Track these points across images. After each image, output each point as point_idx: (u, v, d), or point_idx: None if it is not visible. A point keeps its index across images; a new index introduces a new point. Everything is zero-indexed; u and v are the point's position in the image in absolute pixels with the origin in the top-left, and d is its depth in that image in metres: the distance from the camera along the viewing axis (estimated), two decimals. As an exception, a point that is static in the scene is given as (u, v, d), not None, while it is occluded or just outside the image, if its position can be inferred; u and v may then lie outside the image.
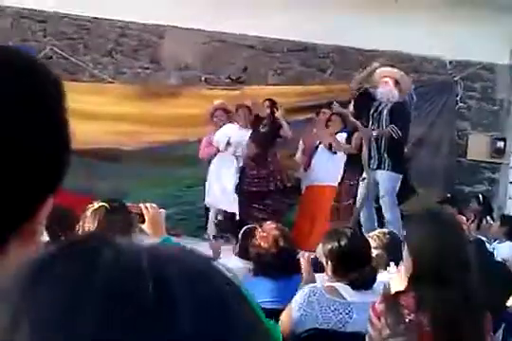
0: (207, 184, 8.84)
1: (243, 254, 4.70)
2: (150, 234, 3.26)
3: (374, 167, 7.95)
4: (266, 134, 8.89)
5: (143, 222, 3.30)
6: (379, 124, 7.95)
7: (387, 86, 7.93)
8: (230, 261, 4.61)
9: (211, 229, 8.65)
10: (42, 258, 0.58)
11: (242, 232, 4.95)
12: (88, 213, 3.47)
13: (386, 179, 7.88)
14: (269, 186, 8.79)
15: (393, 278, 3.56)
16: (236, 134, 8.86)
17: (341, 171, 8.54)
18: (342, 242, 3.65)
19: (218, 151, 8.90)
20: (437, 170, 9.98)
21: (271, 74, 10.65)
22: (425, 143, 10.03)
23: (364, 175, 8.02)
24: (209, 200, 8.80)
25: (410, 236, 3.13)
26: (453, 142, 10.43)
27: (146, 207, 3.34)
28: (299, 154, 9.38)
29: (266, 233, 4.31)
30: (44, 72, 0.90)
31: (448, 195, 9.26)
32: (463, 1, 9.96)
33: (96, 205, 3.57)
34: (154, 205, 3.39)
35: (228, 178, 8.73)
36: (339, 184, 8.51)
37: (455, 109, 10.51)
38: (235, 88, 10.00)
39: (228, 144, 8.81)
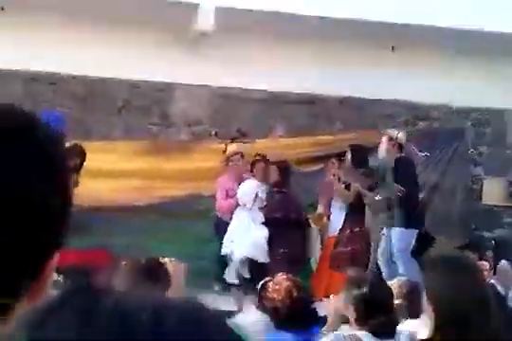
0: (228, 235, 8.73)
1: (262, 307, 4.62)
2: (172, 287, 3.25)
3: (386, 225, 8.07)
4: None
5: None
6: (384, 181, 8.15)
7: (382, 145, 8.36)
8: (250, 314, 4.51)
9: (232, 277, 8.54)
10: (45, 304, 0.61)
11: (260, 285, 4.87)
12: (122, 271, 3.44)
13: (398, 238, 7.94)
14: (290, 214, 8.77)
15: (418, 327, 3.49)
16: (260, 189, 8.84)
17: (343, 219, 8.63)
18: (364, 289, 3.61)
19: (238, 204, 8.86)
20: (454, 216, 9.90)
21: (279, 126, 10.71)
22: (439, 190, 9.98)
23: (384, 231, 8.13)
24: (233, 250, 8.65)
25: (428, 284, 3.07)
26: (468, 188, 10.38)
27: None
28: (321, 207, 9.31)
29: (278, 285, 4.23)
30: (42, 132, 0.90)
31: (468, 241, 9.15)
32: (463, 49, 10.07)
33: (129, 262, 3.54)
34: (173, 259, 3.41)
35: (260, 232, 8.67)
36: (339, 232, 8.60)
37: (467, 155, 10.49)
38: (245, 141, 10.03)
39: (255, 199, 8.78)
